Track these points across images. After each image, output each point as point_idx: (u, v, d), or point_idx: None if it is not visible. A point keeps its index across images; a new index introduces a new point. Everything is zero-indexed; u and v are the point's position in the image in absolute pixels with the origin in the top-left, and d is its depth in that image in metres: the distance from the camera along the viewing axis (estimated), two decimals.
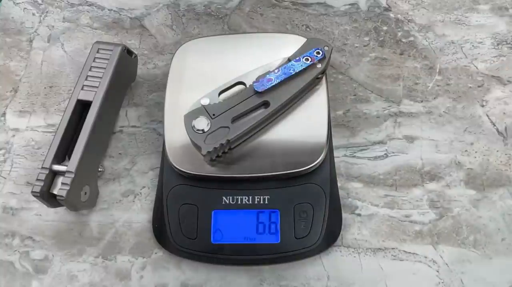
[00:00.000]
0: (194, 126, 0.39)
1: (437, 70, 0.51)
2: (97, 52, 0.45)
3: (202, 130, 0.39)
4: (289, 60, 0.43)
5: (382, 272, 0.42)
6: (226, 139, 0.39)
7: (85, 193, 0.42)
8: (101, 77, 0.44)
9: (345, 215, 0.43)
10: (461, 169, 0.46)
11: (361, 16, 0.54)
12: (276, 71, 0.42)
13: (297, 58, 0.43)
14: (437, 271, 0.42)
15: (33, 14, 0.56)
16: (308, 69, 0.43)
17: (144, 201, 0.45)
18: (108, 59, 0.45)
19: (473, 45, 0.52)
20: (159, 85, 0.51)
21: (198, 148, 0.39)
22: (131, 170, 0.47)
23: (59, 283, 0.42)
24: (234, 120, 0.40)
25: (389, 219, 0.44)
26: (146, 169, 0.47)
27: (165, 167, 0.43)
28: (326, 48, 0.44)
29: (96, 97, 0.43)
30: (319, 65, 0.43)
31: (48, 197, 0.40)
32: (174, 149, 0.42)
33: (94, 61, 0.45)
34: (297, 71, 0.42)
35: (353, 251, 0.43)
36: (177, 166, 0.41)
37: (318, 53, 0.43)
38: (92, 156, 0.43)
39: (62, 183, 0.40)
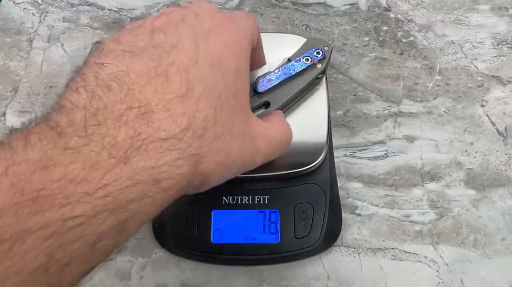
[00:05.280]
0: None
1: (437, 70, 0.51)
2: None
3: None
4: (289, 60, 0.43)
5: (382, 272, 0.42)
6: None
7: None
8: None
9: (345, 215, 0.43)
10: (461, 169, 0.46)
11: (361, 16, 0.54)
12: (276, 71, 0.42)
13: (297, 58, 0.43)
14: (437, 271, 0.42)
15: (33, 14, 0.56)
16: (308, 69, 0.43)
17: None
18: None
19: (473, 45, 0.52)
20: None
21: None
22: None
23: None
24: None
25: (389, 219, 0.44)
26: None
27: None
28: (326, 48, 0.44)
29: None
30: (319, 65, 0.43)
31: None
32: None
33: None
34: (297, 71, 0.42)
35: (353, 251, 0.43)
36: None
37: (318, 53, 0.43)
38: None
39: None
